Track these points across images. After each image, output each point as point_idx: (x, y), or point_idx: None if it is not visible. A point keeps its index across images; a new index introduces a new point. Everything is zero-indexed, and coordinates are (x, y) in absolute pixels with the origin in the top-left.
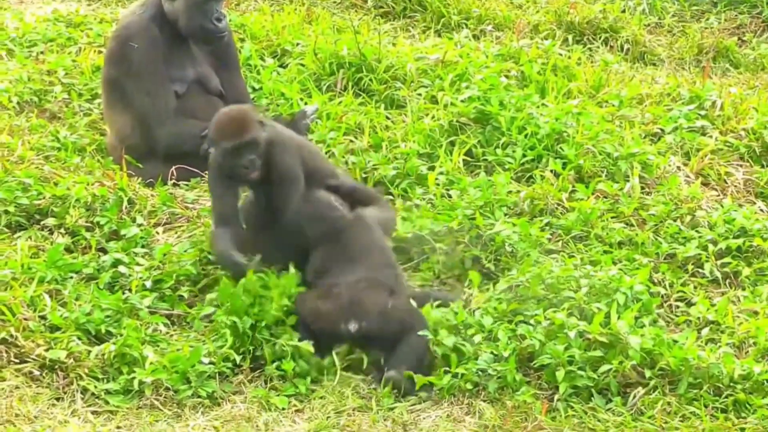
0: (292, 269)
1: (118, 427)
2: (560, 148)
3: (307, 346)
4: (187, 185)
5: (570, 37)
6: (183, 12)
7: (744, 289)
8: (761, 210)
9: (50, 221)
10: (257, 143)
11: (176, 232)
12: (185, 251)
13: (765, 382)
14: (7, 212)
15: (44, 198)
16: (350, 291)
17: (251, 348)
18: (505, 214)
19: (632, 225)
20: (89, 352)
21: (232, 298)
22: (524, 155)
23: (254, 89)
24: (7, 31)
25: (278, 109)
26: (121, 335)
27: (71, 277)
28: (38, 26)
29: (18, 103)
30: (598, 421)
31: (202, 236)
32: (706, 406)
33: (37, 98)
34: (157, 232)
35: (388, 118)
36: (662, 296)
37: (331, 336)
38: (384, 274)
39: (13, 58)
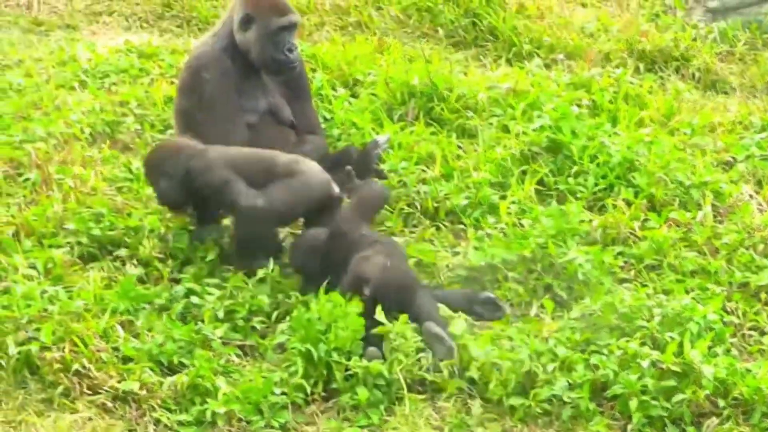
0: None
1: None
2: (632, 176)
3: (377, 365)
4: None
5: (641, 66)
6: (255, 43)
7: None
8: None
9: (123, 252)
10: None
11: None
12: (257, 281)
13: None
14: (79, 243)
15: (117, 229)
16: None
17: (324, 372)
18: (578, 243)
19: (705, 254)
20: (162, 383)
21: (306, 325)
22: (596, 184)
23: (326, 119)
24: (80, 63)
25: (350, 138)
26: (194, 366)
27: (144, 308)
28: (110, 57)
29: (91, 134)
30: None
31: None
32: None
33: (110, 129)
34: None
35: (459, 147)
36: (735, 325)
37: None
38: None
39: (85, 89)
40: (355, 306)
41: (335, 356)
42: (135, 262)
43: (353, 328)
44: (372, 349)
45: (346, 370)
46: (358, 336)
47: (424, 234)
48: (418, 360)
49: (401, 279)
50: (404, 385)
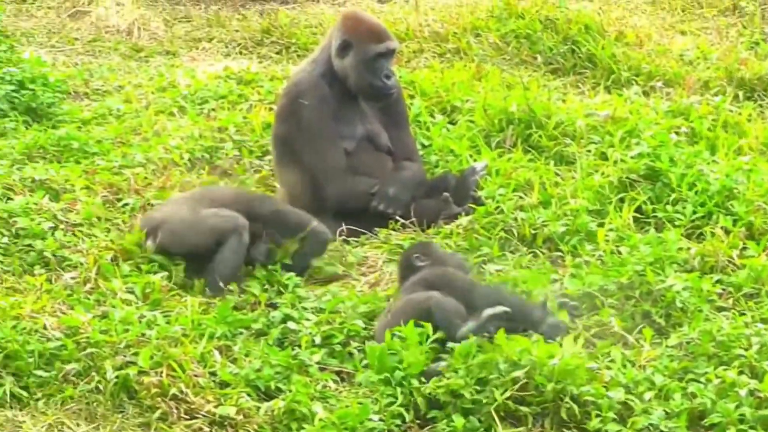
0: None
1: None
2: (730, 204)
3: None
4: (356, 242)
5: (740, 94)
6: (352, 69)
7: None
8: None
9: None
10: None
11: (346, 287)
12: (354, 307)
13: None
14: (177, 267)
15: None
16: None
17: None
18: (676, 271)
19: None
20: (258, 408)
21: (379, 359)
22: (694, 212)
23: (423, 146)
24: (179, 89)
25: (447, 165)
26: (291, 391)
27: (241, 333)
28: (209, 83)
29: (189, 159)
30: None
31: (370, 293)
32: None
33: (209, 155)
34: (325, 288)
35: (557, 174)
36: None
37: None
38: None
39: (184, 115)
40: (416, 333)
41: (414, 382)
42: (231, 287)
43: (419, 354)
44: (433, 367)
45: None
46: (426, 361)
47: (521, 261)
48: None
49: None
50: (496, 418)
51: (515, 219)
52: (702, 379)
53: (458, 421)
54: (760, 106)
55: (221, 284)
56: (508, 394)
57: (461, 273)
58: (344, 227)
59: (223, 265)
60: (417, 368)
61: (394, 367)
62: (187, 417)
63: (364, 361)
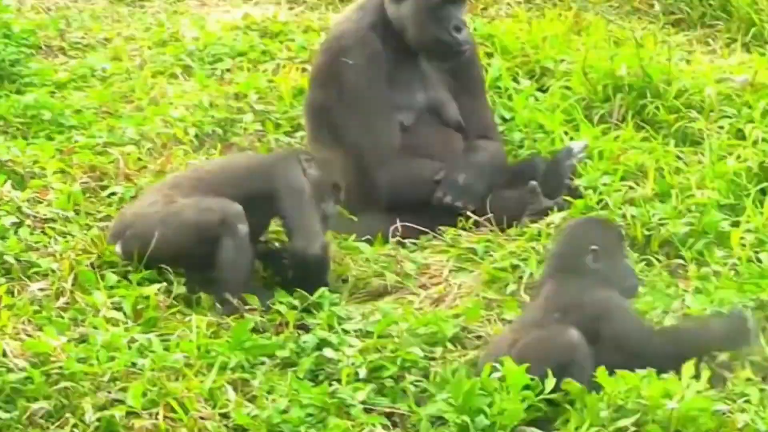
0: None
1: None
2: None
3: None
4: (415, 244)
5: None
6: (412, 19)
7: None
8: None
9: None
10: None
11: (400, 304)
12: (411, 330)
13: None
14: (179, 277)
15: None
16: None
17: None
18: None
19: None
20: None
21: (466, 396)
22: None
23: (504, 120)
24: (184, 43)
25: (535, 145)
26: None
27: (262, 363)
28: (224, 36)
29: (197, 135)
30: None
31: (432, 312)
32: None
33: (222, 130)
34: (373, 305)
35: (679, 158)
36: None
37: None
38: None
39: (191, 77)
40: (524, 375)
41: None
42: (251, 303)
43: (519, 401)
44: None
45: None
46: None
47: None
48: None
49: None
50: None
51: (624, 216)
52: None
53: None
54: None
55: (232, 299)
56: None
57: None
58: (399, 225)
59: (226, 273)
60: (512, 418)
61: (479, 410)
62: None
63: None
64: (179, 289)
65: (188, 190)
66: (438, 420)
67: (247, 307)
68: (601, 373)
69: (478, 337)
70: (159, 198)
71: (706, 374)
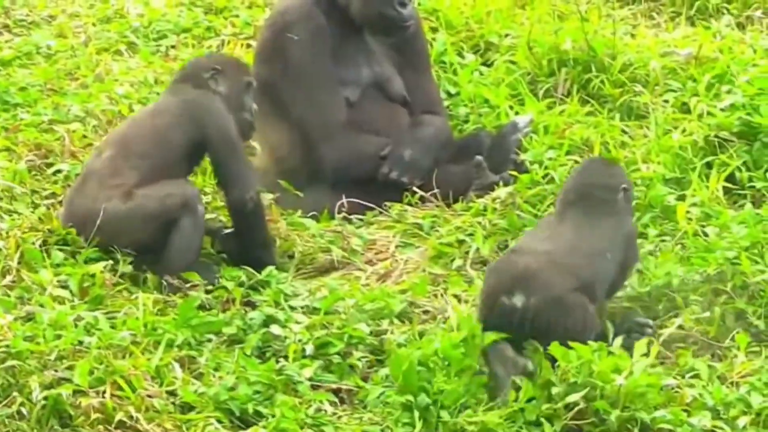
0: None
1: None
2: None
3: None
4: (361, 220)
5: None
6: None
7: None
8: None
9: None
10: None
11: (347, 280)
12: (358, 306)
13: None
14: (126, 255)
15: None
16: None
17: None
18: None
19: None
20: None
21: (406, 374)
22: None
23: (449, 94)
24: (129, 19)
25: (481, 120)
26: (274, 416)
27: (209, 341)
28: (169, 13)
29: None
30: None
31: (379, 288)
32: None
33: None
34: (319, 281)
35: (624, 132)
36: None
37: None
38: None
39: (135, 53)
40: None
41: (443, 414)
42: (194, 280)
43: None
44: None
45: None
46: (474, 387)
47: None
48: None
49: None
50: None
51: None
52: None
53: None
54: None
55: (175, 281)
56: (560, 426)
57: None
58: (345, 200)
59: (178, 253)
60: (452, 397)
61: (420, 388)
62: None
63: (371, 377)
64: (125, 267)
65: (129, 165)
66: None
67: (189, 285)
68: (554, 347)
69: (425, 312)
70: (108, 187)
71: (655, 350)
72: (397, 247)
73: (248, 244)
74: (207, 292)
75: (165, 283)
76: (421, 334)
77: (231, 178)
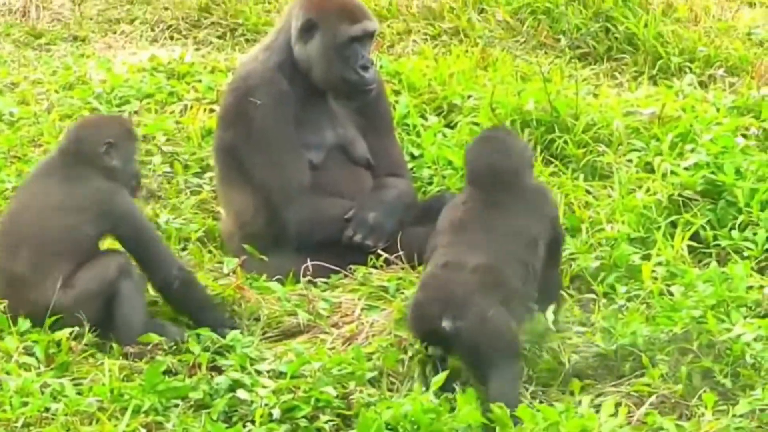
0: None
1: None
2: None
3: None
4: (326, 283)
5: None
6: (319, 58)
7: None
8: None
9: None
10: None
11: (313, 344)
12: (324, 370)
13: None
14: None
15: None
16: None
17: None
18: (745, 317)
19: None
20: None
21: None
22: None
23: (413, 156)
24: (92, 85)
25: (445, 182)
26: None
27: (176, 406)
28: (131, 78)
29: None
30: None
31: (344, 351)
32: None
33: None
34: (285, 345)
35: (588, 192)
36: None
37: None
38: None
39: None
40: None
41: None
42: (164, 348)
43: None
44: None
45: None
46: None
47: None
48: None
49: None
50: None
51: None
52: None
53: None
54: None
55: (134, 349)
56: None
57: None
58: (309, 264)
59: (126, 322)
60: None
61: None
62: None
63: None
64: (89, 336)
65: (52, 265)
66: None
67: (150, 346)
68: (522, 410)
69: (393, 375)
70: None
71: (623, 411)
72: (362, 309)
73: (192, 314)
74: (173, 353)
75: (127, 352)
76: (390, 396)
77: (150, 263)
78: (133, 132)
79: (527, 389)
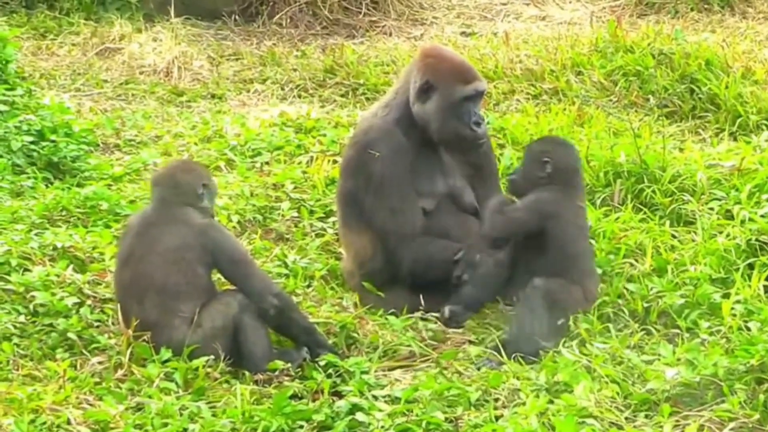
0: None
1: None
2: None
3: None
4: (436, 318)
5: None
6: (435, 115)
7: None
8: None
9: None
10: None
11: (425, 371)
12: (435, 395)
13: None
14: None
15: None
16: None
17: None
18: None
19: None
20: None
21: None
22: None
23: None
24: (227, 139)
25: None
26: None
27: (301, 427)
28: (263, 132)
29: (239, 222)
30: None
31: (448, 377)
32: None
33: (262, 216)
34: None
35: (674, 236)
36: None
37: None
38: None
39: (233, 169)
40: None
41: None
42: (291, 373)
43: None
44: None
45: None
46: None
47: (632, 339)
48: None
49: None
50: None
51: (625, 289)
52: None
53: None
54: None
55: (263, 377)
56: None
57: None
58: (422, 300)
59: (253, 353)
60: None
61: None
62: None
63: None
64: (222, 366)
65: (177, 308)
66: None
67: (276, 373)
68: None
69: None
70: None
71: None
72: (468, 342)
73: (292, 338)
74: (299, 379)
75: (257, 379)
76: (497, 418)
77: (247, 291)
78: (209, 175)
79: (622, 412)
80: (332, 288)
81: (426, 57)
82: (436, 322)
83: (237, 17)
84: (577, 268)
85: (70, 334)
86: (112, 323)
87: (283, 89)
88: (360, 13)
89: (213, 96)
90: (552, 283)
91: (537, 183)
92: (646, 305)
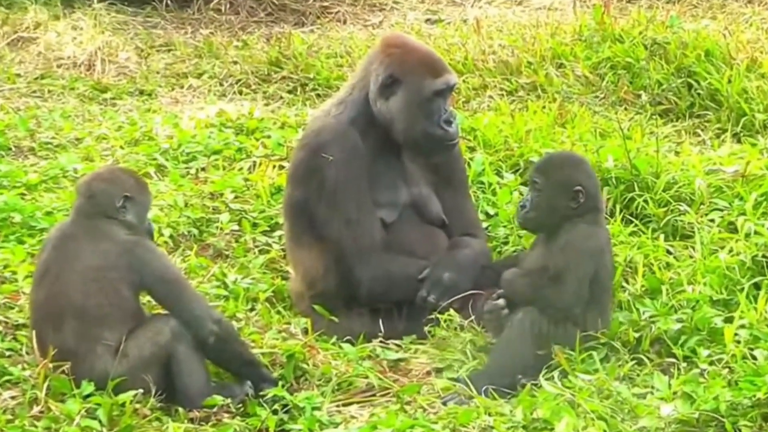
0: None
1: None
2: None
3: None
4: (399, 345)
5: None
6: (401, 112)
7: None
8: None
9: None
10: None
11: (383, 407)
12: None
13: None
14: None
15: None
16: None
17: None
18: None
19: None
20: None
21: None
22: None
23: (488, 215)
24: (158, 141)
25: (521, 242)
26: None
27: None
28: (198, 134)
29: (171, 236)
30: None
31: (411, 413)
32: None
33: (197, 230)
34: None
35: (669, 252)
36: None
37: None
38: None
39: (164, 176)
40: None
41: None
42: (231, 409)
43: None
44: None
45: None
46: None
47: (621, 370)
48: None
49: None
50: None
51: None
52: None
53: None
54: None
55: (198, 413)
56: None
57: None
58: (382, 325)
59: (187, 386)
60: None
61: None
62: None
63: None
64: (152, 401)
65: (99, 336)
66: None
67: (215, 409)
68: None
69: None
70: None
71: None
72: (436, 371)
73: (231, 370)
74: (240, 416)
75: (192, 417)
76: None
77: (183, 317)
78: (144, 186)
79: None
80: (278, 312)
81: (389, 47)
82: (396, 350)
83: (169, 2)
84: (606, 301)
85: None
86: (26, 352)
87: (221, 85)
88: None
89: (141, 92)
90: (539, 314)
91: (566, 216)
92: (636, 332)
